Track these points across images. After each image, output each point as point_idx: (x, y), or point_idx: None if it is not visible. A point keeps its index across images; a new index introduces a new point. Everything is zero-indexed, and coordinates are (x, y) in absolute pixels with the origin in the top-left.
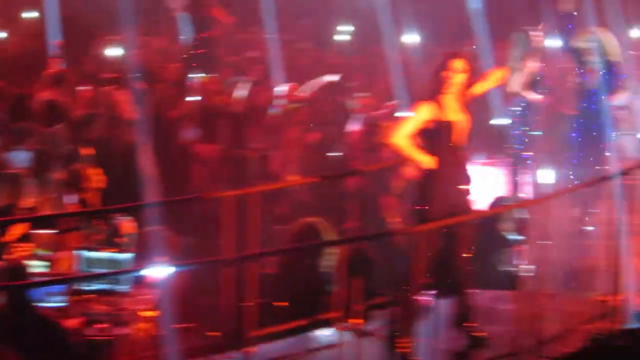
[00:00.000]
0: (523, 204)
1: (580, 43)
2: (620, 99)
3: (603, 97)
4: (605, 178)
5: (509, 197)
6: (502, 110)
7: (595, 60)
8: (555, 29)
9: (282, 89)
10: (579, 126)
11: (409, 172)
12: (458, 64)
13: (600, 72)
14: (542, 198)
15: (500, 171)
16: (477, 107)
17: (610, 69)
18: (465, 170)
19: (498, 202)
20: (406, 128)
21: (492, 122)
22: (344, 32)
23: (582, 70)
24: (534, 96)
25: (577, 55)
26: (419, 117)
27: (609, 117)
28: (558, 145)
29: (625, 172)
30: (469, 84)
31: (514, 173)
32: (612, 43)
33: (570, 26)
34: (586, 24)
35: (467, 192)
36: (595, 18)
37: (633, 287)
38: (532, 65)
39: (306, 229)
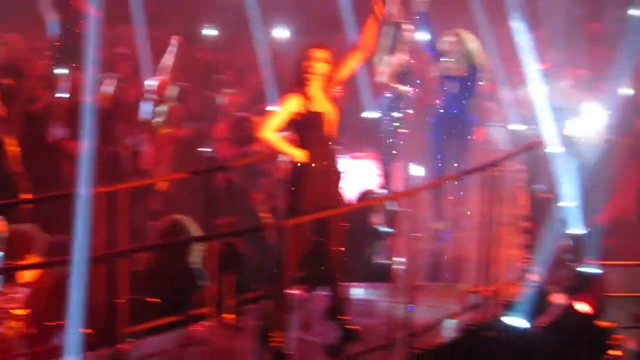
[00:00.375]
0: (393, 196)
1: (442, 44)
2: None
3: (464, 99)
4: (474, 170)
5: (380, 190)
6: (372, 103)
7: (456, 62)
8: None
9: (151, 83)
10: (441, 124)
11: (280, 165)
12: (320, 54)
13: (464, 74)
14: (412, 190)
15: (371, 164)
16: (347, 99)
17: (473, 71)
18: (335, 163)
19: (368, 195)
20: (274, 121)
21: (363, 114)
22: (212, 27)
23: (444, 73)
24: (402, 88)
25: (438, 56)
26: (286, 109)
27: (470, 116)
28: (426, 137)
29: (494, 164)
30: (334, 74)
31: (385, 165)
32: (475, 45)
33: (428, 24)
34: (450, 25)
35: (338, 185)
36: (460, 19)
37: (503, 278)
38: (401, 57)
39: (173, 226)
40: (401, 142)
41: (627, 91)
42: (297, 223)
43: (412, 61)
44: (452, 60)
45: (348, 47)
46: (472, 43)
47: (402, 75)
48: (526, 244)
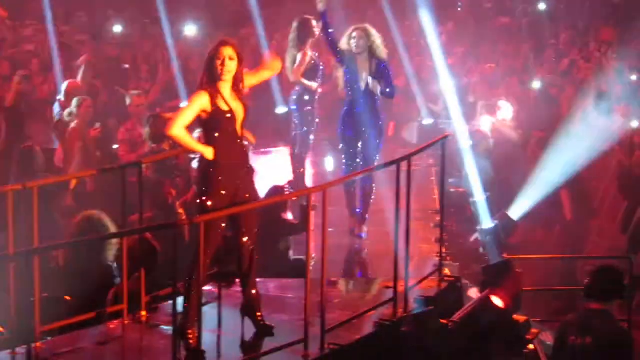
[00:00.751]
0: (304, 191)
1: (343, 43)
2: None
3: (371, 95)
4: (386, 165)
5: (292, 185)
6: (283, 99)
7: (362, 59)
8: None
9: (63, 83)
10: (350, 120)
11: (192, 162)
12: (228, 51)
13: (371, 70)
14: (323, 185)
15: (283, 159)
16: (257, 94)
17: (380, 66)
18: (246, 159)
19: (280, 191)
20: (183, 119)
21: (276, 110)
22: (121, 23)
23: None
24: (309, 83)
25: (340, 53)
26: (194, 106)
27: (378, 111)
28: (337, 133)
29: (404, 159)
30: (243, 71)
31: (297, 161)
32: (377, 40)
33: (327, 23)
34: (357, 20)
35: (250, 181)
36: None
37: (418, 273)
38: (311, 54)
39: (87, 222)
40: (311, 138)
41: (537, 84)
42: (209, 219)
43: (316, 55)
44: (358, 57)
45: (260, 57)
46: (377, 38)
47: (310, 71)
48: (440, 238)
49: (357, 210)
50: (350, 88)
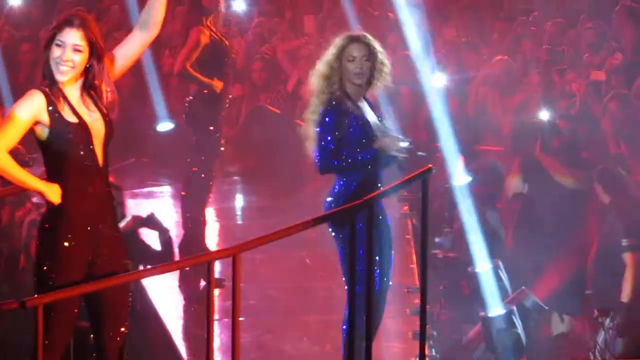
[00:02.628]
0: (204, 256)
1: (327, 62)
2: None
3: None
4: (334, 214)
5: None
6: (167, 109)
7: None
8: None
9: None
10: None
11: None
12: (74, 34)
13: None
14: (236, 247)
15: (167, 206)
16: (129, 102)
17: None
18: (109, 203)
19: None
20: (6, 135)
21: (157, 126)
22: None
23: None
24: (206, 79)
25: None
26: (23, 114)
27: None
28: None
29: (364, 205)
30: (102, 64)
31: (192, 208)
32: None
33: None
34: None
35: (116, 241)
36: None
37: None
38: (203, 31)
39: None
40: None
41: None
42: (51, 302)
43: (223, 40)
44: (357, 91)
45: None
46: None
47: (207, 59)
48: (420, 333)
49: None
50: (361, 151)
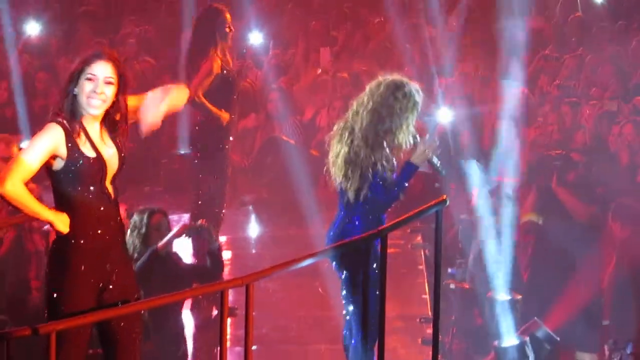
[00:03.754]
0: (216, 285)
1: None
2: None
3: None
4: (344, 245)
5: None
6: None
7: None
8: None
9: None
10: None
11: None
12: (106, 68)
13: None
14: (248, 276)
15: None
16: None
17: None
18: (121, 234)
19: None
20: (23, 167)
21: (179, 151)
22: None
23: None
24: (215, 109)
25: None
26: (42, 147)
27: None
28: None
29: (377, 235)
30: (125, 100)
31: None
32: None
33: None
34: None
35: (127, 271)
36: None
37: None
38: (216, 60)
39: None
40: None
41: None
42: (63, 329)
43: (232, 71)
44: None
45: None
46: None
47: (218, 87)
48: None
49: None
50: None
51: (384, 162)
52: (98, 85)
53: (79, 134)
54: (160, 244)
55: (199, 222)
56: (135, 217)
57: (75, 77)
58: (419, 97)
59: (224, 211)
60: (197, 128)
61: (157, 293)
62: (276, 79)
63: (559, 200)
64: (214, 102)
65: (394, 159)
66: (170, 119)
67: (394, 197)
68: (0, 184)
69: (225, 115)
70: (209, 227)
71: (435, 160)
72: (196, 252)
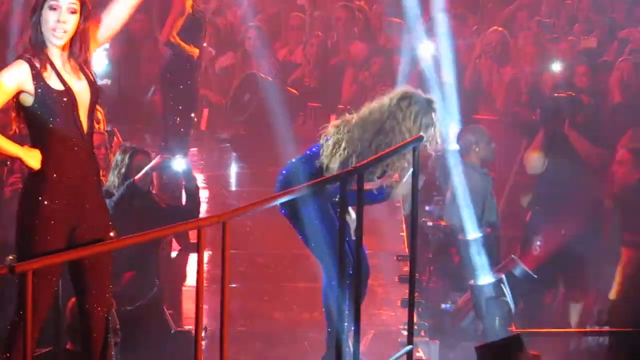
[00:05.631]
0: (191, 224)
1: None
2: None
3: None
4: (323, 180)
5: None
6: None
7: None
8: None
9: None
10: None
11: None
12: None
13: None
14: (224, 214)
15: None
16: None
17: None
18: (94, 171)
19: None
20: None
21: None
22: None
23: None
24: (189, 48)
25: None
26: (8, 82)
27: None
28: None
29: (353, 171)
30: (89, 28)
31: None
32: None
33: None
34: None
35: (100, 209)
36: None
37: (372, 356)
38: None
39: None
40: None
41: None
42: (33, 268)
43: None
44: None
45: None
46: None
47: (191, 28)
48: (409, 300)
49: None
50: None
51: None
52: (61, 14)
53: (45, 68)
54: (137, 176)
55: (177, 156)
56: (118, 156)
57: (38, 8)
58: (425, 106)
59: (188, 138)
60: (168, 68)
61: (135, 228)
62: (254, 17)
63: (567, 142)
64: (185, 39)
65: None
66: (147, 58)
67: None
68: None
69: (195, 51)
70: (187, 161)
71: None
72: (171, 189)
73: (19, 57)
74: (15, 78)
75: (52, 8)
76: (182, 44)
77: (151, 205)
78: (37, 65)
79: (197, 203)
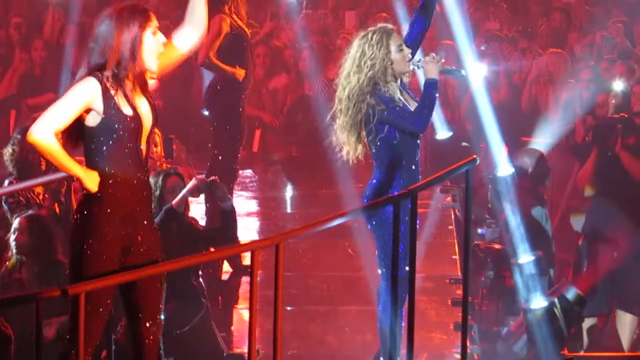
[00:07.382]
0: (243, 246)
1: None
2: None
3: None
4: (376, 204)
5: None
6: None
7: None
8: None
9: None
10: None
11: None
12: (155, 21)
13: None
14: (278, 236)
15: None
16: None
17: None
18: (148, 190)
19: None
20: (55, 118)
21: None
22: None
23: None
24: (228, 68)
25: None
26: (77, 100)
27: None
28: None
29: (407, 195)
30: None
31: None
32: None
33: None
34: None
35: (153, 233)
36: None
37: None
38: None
39: None
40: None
41: None
42: (86, 290)
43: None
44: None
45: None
46: None
47: (232, 48)
48: (462, 324)
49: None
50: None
51: (373, 109)
52: (160, 38)
53: (116, 90)
54: (175, 201)
55: (212, 178)
56: (151, 179)
57: (129, 30)
58: (382, 30)
59: (236, 166)
60: (213, 88)
61: (174, 253)
62: (307, 38)
63: (620, 164)
64: (227, 61)
65: (392, 95)
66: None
67: (418, 116)
68: (30, 132)
69: (240, 72)
70: (221, 183)
71: (447, 67)
72: (209, 211)
73: (90, 74)
74: (85, 94)
75: (154, 33)
76: (221, 64)
77: (189, 228)
78: (108, 85)
79: (234, 224)
